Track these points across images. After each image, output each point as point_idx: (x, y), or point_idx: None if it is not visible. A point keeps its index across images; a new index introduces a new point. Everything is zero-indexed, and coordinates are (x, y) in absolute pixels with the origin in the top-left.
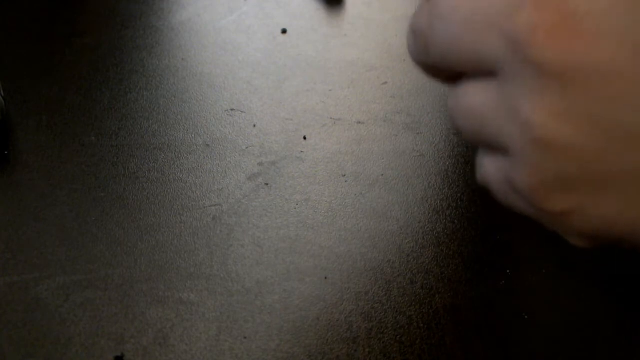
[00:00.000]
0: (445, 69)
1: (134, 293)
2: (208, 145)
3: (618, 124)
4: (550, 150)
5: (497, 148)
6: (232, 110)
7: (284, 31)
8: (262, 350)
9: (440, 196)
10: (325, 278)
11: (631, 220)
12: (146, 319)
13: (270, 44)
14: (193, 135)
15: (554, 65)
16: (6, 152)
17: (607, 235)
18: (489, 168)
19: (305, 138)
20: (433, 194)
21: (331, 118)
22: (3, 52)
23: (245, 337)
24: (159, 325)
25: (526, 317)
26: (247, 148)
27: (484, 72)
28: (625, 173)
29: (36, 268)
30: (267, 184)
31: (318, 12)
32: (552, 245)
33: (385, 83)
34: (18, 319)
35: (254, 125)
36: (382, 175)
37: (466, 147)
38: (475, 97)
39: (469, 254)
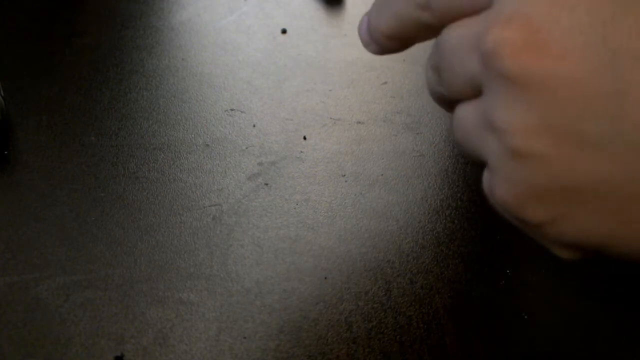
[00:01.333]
0: (453, 99)
1: (134, 293)
2: (208, 145)
3: (584, 136)
4: (522, 161)
5: (482, 162)
6: (232, 110)
7: (284, 31)
8: (261, 350)
9: (440, 196)
10: (325, 278)
11: (605, 232)
12: (146, 319)
13: (270, 44)
14: (193, 135)
15: (521, 78)
16: (6, 152)
17: (586, 246)
18: (483, 180)
19: (305, 138)
20: (433, 194)
21: (331, 118)
22: (3, 52)
23: (245, 337)
24: (159, 325)
25: (526, 317)
26: (247, 148)
27: (475, 94)
28: (594, 184)
29: (36, 268)
30: (267, 184)
31: (318, 12)
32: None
33: (385, 83)
34: (18, 319)
35: (254, 125)
36: (382, 175)
37: None
38: (464, 113)
39: (469, 254)
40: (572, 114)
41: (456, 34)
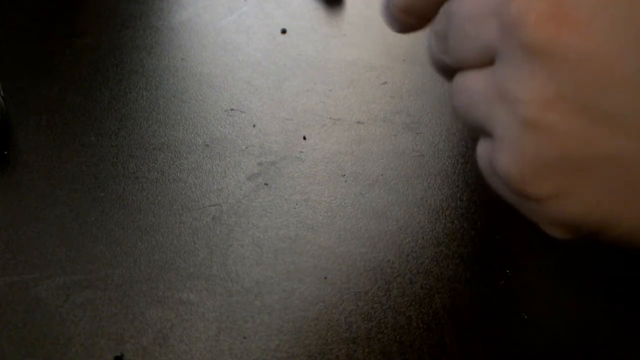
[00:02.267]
0: (458, 67)
1: (133, 293)
2: (208, 145)
3: (603, 110)
4: (534, 132)
5: (484, 131)
6: (231, 110)
7: (284, 31)
8: (261, 350)
9: (439, 196)
10: (325, 278)
11: (608, 210)
12: (146, 319)
13: (270, 44)
14: (193, 135)
15: (543, 49)
16: (6, 152)
17: (583, 225)
18: (479, 149)
19: (305, 138)
20: (432, 194)
21: (331, 118)
22: (3, 52)
23: (244, 337)
24: (158, 325)
25: (526, 317)
26: (246, 148)
27: (485, 63)
28: (605, 160)
29: (36, 268)
30: (266, 184)
31: (318, 12)
32: (552, 245)
33: (385, 83)
34: (18, 319)
35: (254, 125)
36: (382, 175)
37: (466, 147)
38: (470, 82)
39: (468, 254)
40: (592, 89)
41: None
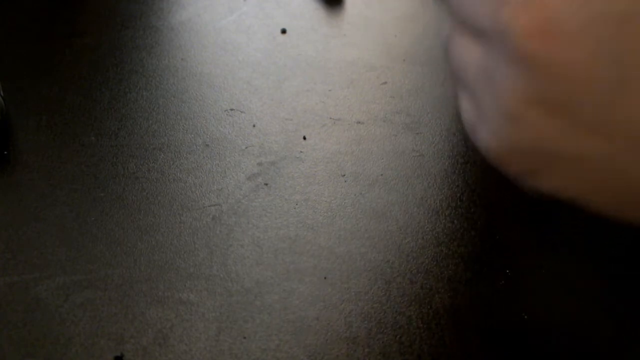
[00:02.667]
0: (458, 22)
1: (133, 293)
2: (208, 145)
3: (578, 115)
4: (514, 124)
5: (471, 92)
6: (231, 110)
7: (284, 31)
8: (261, 350)
9: (440, 196)
10: (325, 278)
11: (579, 192)
12: (146, 319)
13: (270, 44)
14: (193, 135)
15: (529, 57)
16: (6, 152)
17: (561, 197)
18: (463, 103)
19: (304, 138)
20: (433, 194)
21: (331, 118)
22: (3, 52)
23: (244, 337)
24: (158, 325)
25: (526, 317)
26: (246, 148)
27: (480, 34)
28: (577, 156)
29: (36, 268)
30: (266, 184)
31: (318, 12)
32: (552, 245)
33: (385, 83)
34: (18, 319)
35: (254, 125)
36: (382, 175)
37: (466, 147)
38: (466, 46)
39: (469, 254)
40: (571, 97)
41: None
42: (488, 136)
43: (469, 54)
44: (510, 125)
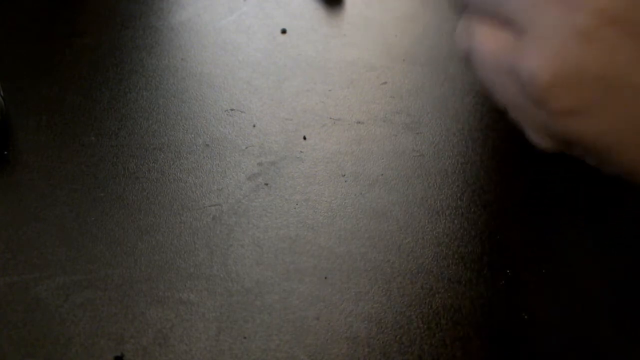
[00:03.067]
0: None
1: (134, 293)
2: (208, 145)
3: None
4: (585, 41)
5: (504, 20)
6: (232, 110)
7: (284, 31)
8: (261, 350)
9: (440, 196)
10: (325, 278)
11: (618, 137)
12: (146, 319)
13: (270, 44)
14: (193, 135)
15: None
16: (6, 152)
17: (589, 146)
18: (487, 37)
19: (305, 138)
20: (433, 194)
21: (331, 118)
22: (3, 52)
23: (245, 337)
24: (158, 325)
25: (526, 317)
26: (246, 148)
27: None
28: (637, 88)
29: (36, 268)
30: (266, 184)
31: (318, 12)
32: (552, 245)
33: (385, 83)
34: (18, 319)
35: (254, 125)
36: (382, 175)
37: (466, 147)
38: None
39: (469, 254)
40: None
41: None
42: (542, 62)
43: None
44: (580, 43)
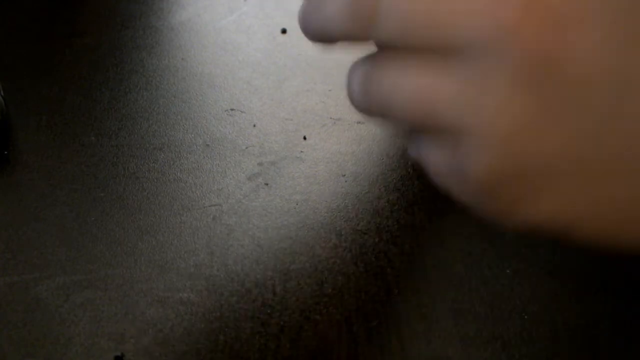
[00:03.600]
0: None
1: (134, 293)
2: (208, 145)
3: (584, 120)
4: (511, 144)
5: (445, 133)
6: (232, 110)
7: (284, 31)
8: (261, 350)
9: (440, 196)
10: (325, 279)
11: (575, 213)
12: (146, 319)
13: (270, 44)
14: (193, 135)
15: (534, 58)
16: (6, 152)
17: (546, 228)
18: (431, 149)
19: (305, 138)
20: (433, 194)
21: (331, 118)
22: (3, 52)
23: (245, 337)
24: (159, 325)
25: (526, 317)
26: (247, 148)
27: (446, 51)
28: (579, 170)
29: (36, 268)
30: (267, 184)
31: None
32: (552, 245)
33: None
34: (18, 319)
35: (254, 125)
36: (382, 175)
37: None
38: (426, 78)
39: (469, 254)
40: (581, 97)
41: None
42: (482, 165)
43: (432, 82)
44: (506, 145)
